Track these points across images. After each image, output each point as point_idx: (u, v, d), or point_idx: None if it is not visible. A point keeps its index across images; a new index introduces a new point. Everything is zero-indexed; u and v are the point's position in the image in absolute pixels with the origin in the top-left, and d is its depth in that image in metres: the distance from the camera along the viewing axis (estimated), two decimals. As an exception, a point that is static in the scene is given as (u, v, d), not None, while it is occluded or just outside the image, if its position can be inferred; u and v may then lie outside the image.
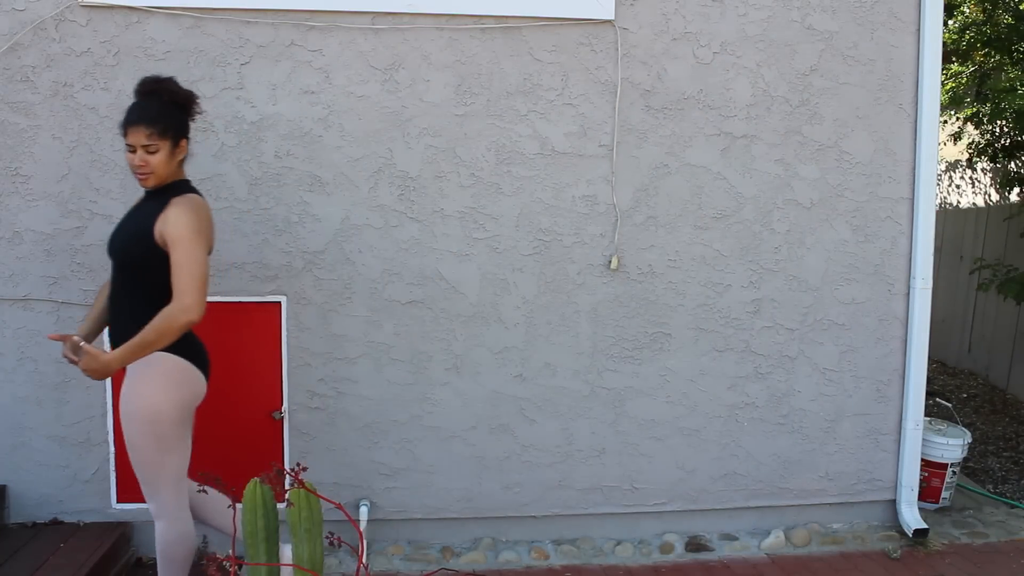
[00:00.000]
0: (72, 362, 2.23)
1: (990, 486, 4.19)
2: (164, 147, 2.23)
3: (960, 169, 6.76)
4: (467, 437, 3.22)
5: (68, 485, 3.07)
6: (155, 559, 3.12)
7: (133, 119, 2.21)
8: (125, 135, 2.23)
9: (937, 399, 4.31)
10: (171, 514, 2.30)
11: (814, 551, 3.28)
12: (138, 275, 2.24)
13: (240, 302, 3.06)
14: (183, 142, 2.31)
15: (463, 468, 3.24)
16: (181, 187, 2.30)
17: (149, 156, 2.21)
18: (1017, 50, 5.36)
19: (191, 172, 2.98)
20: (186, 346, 2.28)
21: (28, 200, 2.95)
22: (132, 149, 2.22)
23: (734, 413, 3.34)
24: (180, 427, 2.27)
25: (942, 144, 6.19)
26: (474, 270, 3.15)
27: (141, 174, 2.24)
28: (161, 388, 2.21)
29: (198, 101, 2.38)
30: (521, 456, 3.25)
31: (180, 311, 2.13)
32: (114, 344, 2.24)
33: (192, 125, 2.93)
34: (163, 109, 2.25)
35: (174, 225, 2.16)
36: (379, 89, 3.03)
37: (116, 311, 2.30)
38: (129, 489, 3.08)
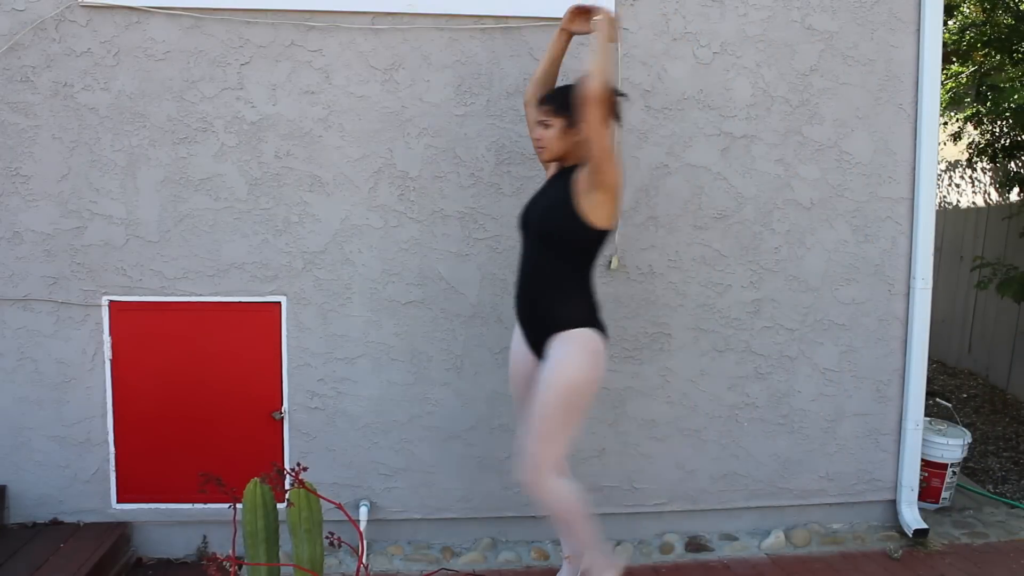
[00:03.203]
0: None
1: (990, 486, 4.19)
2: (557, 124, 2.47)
3: (960, 169, 6.76)
4: (467, 437, 3.22)
5: (68, 485, 3.07)
6: (154, 560, 3.14)
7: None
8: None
9: (937, 399, 4.31)
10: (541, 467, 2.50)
11: (814, 551, 3.28)
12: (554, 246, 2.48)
13: (240, 302, 3.06)
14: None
15: (463, 468, 3.23)
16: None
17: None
18: (1017, 50, 5.36)
19: (191, 172, 3.00)
20: (600, 326, 2.49)
21: (28, 200, 2.95)
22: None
23: (734, 413, 3.34)
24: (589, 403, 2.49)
25: (942, 144, 6.18)
26: (474, 270, 3.15)
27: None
28: (588, 367, 2.43)
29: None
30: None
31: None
32: (522, 313, 2.56)
33: (192, 125, 2.97)
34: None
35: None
36: (379, 89, 3.03)
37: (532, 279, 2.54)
38: (129, 489, 3.09)
